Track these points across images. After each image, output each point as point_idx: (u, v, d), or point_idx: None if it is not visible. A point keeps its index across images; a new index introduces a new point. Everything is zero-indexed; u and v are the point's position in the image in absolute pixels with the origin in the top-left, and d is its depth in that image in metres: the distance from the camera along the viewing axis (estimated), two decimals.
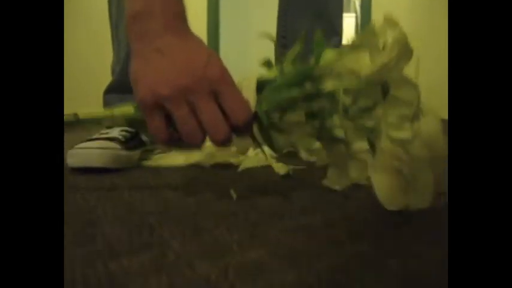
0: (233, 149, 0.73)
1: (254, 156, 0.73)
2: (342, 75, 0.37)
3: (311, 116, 0.40)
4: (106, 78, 0.86)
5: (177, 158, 0.74)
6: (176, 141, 0.40)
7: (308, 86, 0.38)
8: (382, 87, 0.36)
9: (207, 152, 0.70)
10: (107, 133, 0.71)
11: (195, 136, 0.38)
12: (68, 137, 0.44)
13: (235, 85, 0.39)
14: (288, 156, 0.70)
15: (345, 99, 0.38)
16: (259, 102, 0.39)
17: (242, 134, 0.40)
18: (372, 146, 0.38)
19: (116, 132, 0.72)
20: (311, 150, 0.49)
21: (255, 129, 0.41)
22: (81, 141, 0.69)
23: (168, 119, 0.39)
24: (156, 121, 0.38)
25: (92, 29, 1.86)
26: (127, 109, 0.42)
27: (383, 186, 0.36)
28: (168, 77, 0.36)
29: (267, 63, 0.41)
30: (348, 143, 0.39)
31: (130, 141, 0.73)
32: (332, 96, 0.37)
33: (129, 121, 0.42)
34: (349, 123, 0.38)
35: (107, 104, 0.84)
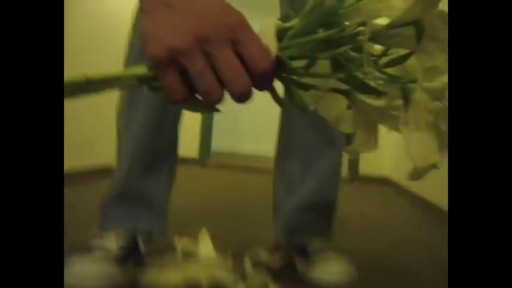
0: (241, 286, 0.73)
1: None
2: (370, 17, 0.33)
3: (338, 66, 0.35)
4: None
5: (173, 275, 0.74)
6: (192, 99, 0.36)
7: (333, 30, 0.34)
8: (417, 31, 0.32)
9: (203, 266, 0.72)
10: (103, 243, 0.77)
11: (214, 91, 0.34)
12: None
13: (254, 31, 0.35)
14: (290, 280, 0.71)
15: (374, 47, 0.34)
16: (280, 49, 0.35)
17: (263, 87, 0.36)
18: (406, 100, 0.33)
19: (112, 241, 0.77)
20: (337, 117, 0.41)
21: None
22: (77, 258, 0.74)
23: (183, 76, 0.35)
24: (171, 78, 0.35)
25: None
26: (140, 69, 0.37)
27: (416, 143, 0.33)
28: (181, 28, 0.33)
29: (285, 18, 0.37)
30: (378, 96, 0.35)
31: (127, 254, 0.77)
32: (360, 42, 0.33)
33: (142, 80, 0.35)
34: (379, 75, 0.33)
35: (106, 219, 0.85)
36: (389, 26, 0.32)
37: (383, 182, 2.38)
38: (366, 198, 2.27)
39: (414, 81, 0.33)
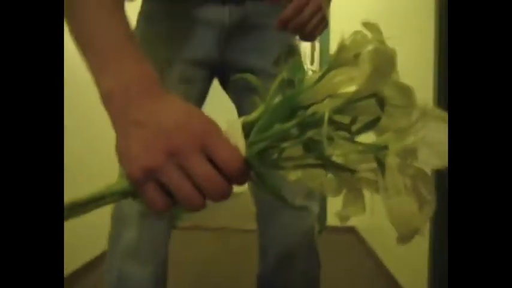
0: None
1: None
2: (333, 92, 0.35)
3: (309, 148, 0.36)
4: None
5: None
6: (175, 206, 0.37)
7: (298, 115, 0.35)
8: (378, 102, 0.34)
9: None
10: None
11: (193, 199, 0.35)
12: None
13: (223, 134, 0.36)
14: None
15: (343, 120, 0.35)
16: (249, 145, 0.36)
17: (241, 183, 0.37)
18: (381, 166, 0.33)
19: None
20: (320, 184, 0.41)
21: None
22: None
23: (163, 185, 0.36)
24: (150, 192, 0.36)
25: None
26: (121, 184, 0.37)
27: (397, 208, 0.32)
28: (152, 146, 0.35)
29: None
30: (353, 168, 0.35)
31: None
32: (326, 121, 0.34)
33: (126, 194, 0.36)
34: (350, 145, 0.34)
35: None
36: (350, 101, 0.33)
37: (349, 231, 2.55)
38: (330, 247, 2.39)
39: (386, 147, 0.32)
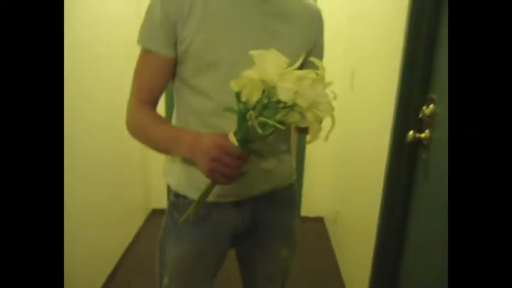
0: None
1: None
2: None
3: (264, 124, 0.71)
4: None
5: None
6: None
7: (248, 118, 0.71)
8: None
9: None
10: None
11: (230, 175, 0.77)
12: None
13: (228, 143, 0.74)
14: None
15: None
16: (243, 143, 0.74)
17: (244, 158, 0.77)
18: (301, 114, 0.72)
19: None
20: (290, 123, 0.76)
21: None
22: None
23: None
24: (214, 176, 0.77)
25: None
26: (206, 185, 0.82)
27: (316, 128, 0.72)
28: (207, 158, 0.76)
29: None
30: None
31: None
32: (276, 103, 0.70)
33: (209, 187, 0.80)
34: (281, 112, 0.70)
35: None
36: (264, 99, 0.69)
37: (318, 220, 2.92)
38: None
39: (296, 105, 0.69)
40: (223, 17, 0.83)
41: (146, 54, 0.86)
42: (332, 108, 0.70)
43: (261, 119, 0.68)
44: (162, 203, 2.81)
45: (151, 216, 2.81)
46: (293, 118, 0.70)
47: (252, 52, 0.67)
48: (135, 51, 0.89)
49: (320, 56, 0.99)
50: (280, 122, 0.68)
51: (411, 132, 1.18)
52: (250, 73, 0.68)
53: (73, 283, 1.65)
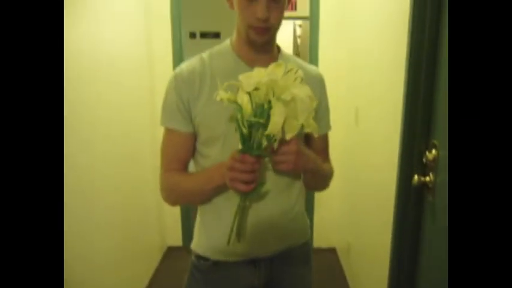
0: None
1: None
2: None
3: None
4: None
5: None
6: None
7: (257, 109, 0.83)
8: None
9: None
10: None
11: (246, 185, 0.86)
12: None
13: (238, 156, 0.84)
14: None
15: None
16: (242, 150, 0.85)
17: (258, 162, 0.86)
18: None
19: None
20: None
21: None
22: None
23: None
24: (234, 186, 0.86)
25: None
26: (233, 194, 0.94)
27: (288, 122, 0.82)
28: (229, 174, 0.87)
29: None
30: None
31: None
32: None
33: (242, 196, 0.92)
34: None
35: None
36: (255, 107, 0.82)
37: (330, 251, 2.95)
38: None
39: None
40: None
41: (168, 132, 1.00)
42: (311, 109, 0.81)
43: (251, 119, 0.81)
44: (177, 240, 2.92)
45: (167, 253, 2.86)
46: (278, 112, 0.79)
47: (240, 76, 0.79)
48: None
49: (326, 114, 1.10)
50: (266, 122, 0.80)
51: (416, 177, 1.24)
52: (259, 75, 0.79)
53: None
